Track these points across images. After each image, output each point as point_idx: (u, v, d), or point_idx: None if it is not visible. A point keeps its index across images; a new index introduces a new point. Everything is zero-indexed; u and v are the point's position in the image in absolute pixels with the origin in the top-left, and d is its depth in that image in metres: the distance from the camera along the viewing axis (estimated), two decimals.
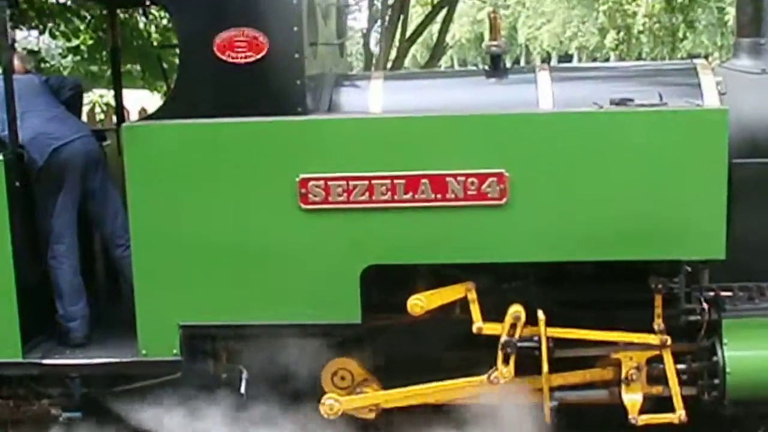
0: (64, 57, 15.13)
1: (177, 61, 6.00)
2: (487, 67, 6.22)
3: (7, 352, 5.83)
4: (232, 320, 5.65)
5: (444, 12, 22.86)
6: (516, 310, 5.47)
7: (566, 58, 57.70)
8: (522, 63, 54.09)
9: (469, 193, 5.28)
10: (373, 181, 5.32)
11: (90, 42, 13.82)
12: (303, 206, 5.38)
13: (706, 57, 39.32)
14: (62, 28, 13.46)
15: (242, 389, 5.83)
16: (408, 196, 5.32)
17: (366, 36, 22.29)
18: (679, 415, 5.48)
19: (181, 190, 5.53)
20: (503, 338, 5.49)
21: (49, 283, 6.09)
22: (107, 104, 12.81)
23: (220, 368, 5.93)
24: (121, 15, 9.56)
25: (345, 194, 5.35)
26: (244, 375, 5.84)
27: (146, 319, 5.68)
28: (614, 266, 5.45)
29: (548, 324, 5.49)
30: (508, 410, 5.67)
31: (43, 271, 6.10)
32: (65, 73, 13.77)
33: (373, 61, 20.75)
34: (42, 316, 6.05)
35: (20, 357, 5.84)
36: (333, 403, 5.70)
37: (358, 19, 21.83)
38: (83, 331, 6.10)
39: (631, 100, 5.41)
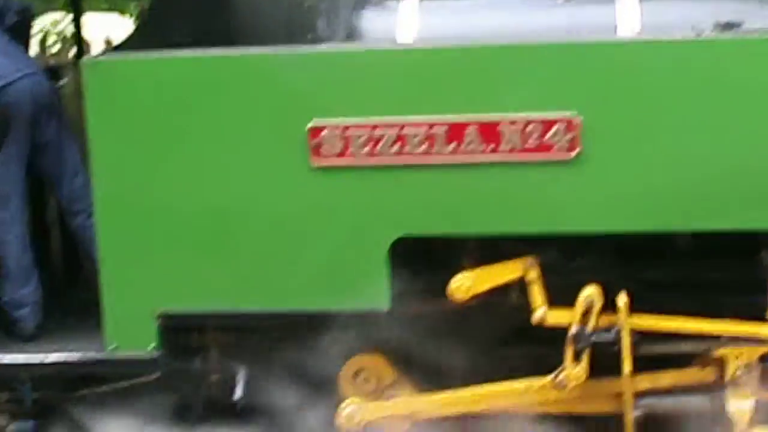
0: None
1: None
2: None
3: None
4: (225, 307, 5.43)
5: None
6: (590, 293, 5.18)
7: None
8: None
9: (530, 143, 4.98)
10: (406, 129, 5.02)
11: None
12: (315, 162, 5.12)
13: None
14: None
15: (238, 393, 5.64)
16: (450, 148, 5.02)
17: None
18: None
19: (157, 142, 5.31)
20: (573, 329, 5.19)
21: None
22: (62, 34, 12.59)
23: (209, 367, 5.74)
24: None
25: (369, 146, 5.06)
26: (241, 375, 5.65)
27: (115, 305, 5.44)
28: (718, 238, 5.22)
29: (632, 311, 5.21)
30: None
31: None
32: None
33: None
34: None
35: None
36: (354, 410, 5.46)
37: None
38: (35, 321, 5.96)
39: (740, 23, 5.14)
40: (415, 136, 4.98)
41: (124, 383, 5.68)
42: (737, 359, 5.26)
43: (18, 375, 5.74)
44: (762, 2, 5.56)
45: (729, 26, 5.07)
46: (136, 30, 5.86)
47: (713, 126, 4.92)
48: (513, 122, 4.91)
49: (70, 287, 6.55)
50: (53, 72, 6.59)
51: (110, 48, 8.54)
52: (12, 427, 5.94)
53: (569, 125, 4.89)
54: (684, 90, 4.92)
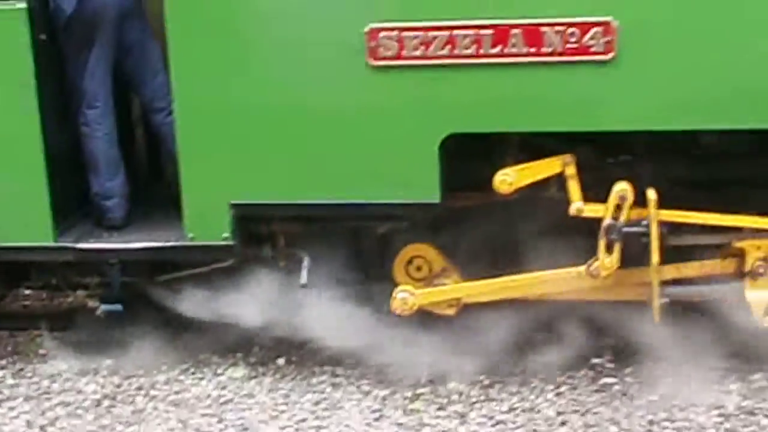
0: None
1: None
2: None
3: (36, 236, 5.85)
4: (291, 199, 5.58)
5: None
6: (622, 188, 5.28)
7: None
8: None
9: (569, 46, 5.07)
10: (455, 32, 5.12)
11: None
12: (372, 62, 5.23)
13: None
14: None
15: (303, 279, 5.78)
16: (496, 51, 5.12)
17: None
18: None
19: (231, 45, 5.40)
20: (606, 221, 5.32)
21: (82, 154, 6.07)
22: None
23: (277, 254, 5.93)
24: None
25: (422, 48, 5.17)
26: (306, 262, 5.81)
27: (193, 197, 5.63)
28: (742, 138, 5.33)
29: (661, 207, 5.33)
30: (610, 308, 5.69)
31: (76, 141, 6.05)
32: None
33: None
34: (75, 194, 6.08)
35: (51, 240, 5.86)
36: (407, 296, 5.62)
37: None
38: (122, 211, 6.09)
39: None
40: (465, 38, 5.09)
41: (202, 269, 5.93)
42: (757, 251, 5.39)
43: (107, 261, 5.96)
44: None
45: None
46: None
47: (741, 31, 4.95)
48: (554, 26, 5.01)
49: (152, 181, 6.57)
50: None
51: None
52: (102, 308, 6.18)
53: (606, 28, 4.97)
54: None
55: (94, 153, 6.01)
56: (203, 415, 5.62)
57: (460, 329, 5.89)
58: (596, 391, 5.65)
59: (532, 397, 5.63)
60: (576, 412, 5.45)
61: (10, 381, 6.13)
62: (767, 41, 4.96)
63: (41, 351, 6.49)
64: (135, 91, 6.39)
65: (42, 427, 5.61)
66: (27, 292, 6.47)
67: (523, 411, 5.49)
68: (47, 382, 6.08)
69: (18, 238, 5.86)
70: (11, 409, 5.79)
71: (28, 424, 5.65)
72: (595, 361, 5.93)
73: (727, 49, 5.02)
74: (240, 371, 6.10)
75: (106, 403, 5.81)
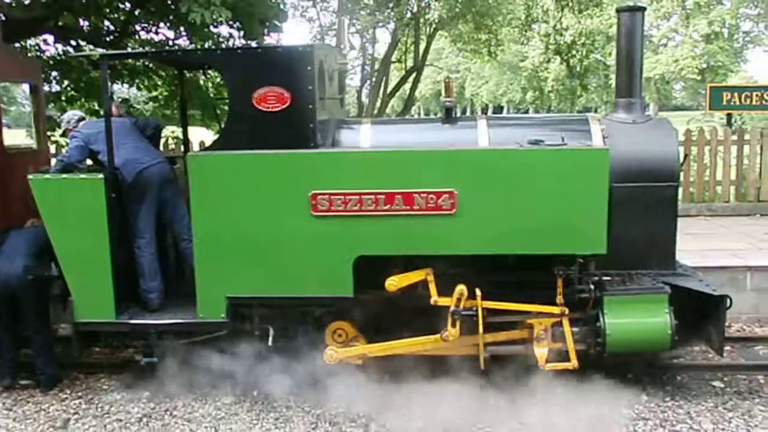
0: (146, 104, 15.13)
1: (227, 108, 5.90)
2: (442, 116, 6.13)
3: (104, 315, 5.77)
4: (263, 293, 5.58)
5: (414, 75, 22.98)
6: (461, 288, 5.42)
7: (498, 109, 58.14)
8: (468, 113, 54.50)
9: (429, 205, 5.26)
10: (363, 196, 5.29)
11: (165, 93, 13.80)
12: (313, 213, 5.34)
13: (595, 110, 39.73)
14: (145, 83, 13.47)
15: (270, 342, 5.77)
16: (387, 207, 5.29)
17: (359, 91, 22.35)
18: (573, 363, 5.49)
19: (228, 200, 5.45)
20: (452, 308, 5.43)
21: (134, 265, 5.99)
22: (177, 138, 12.80)
23: (253, 327, 5.83)
24: (188, 74, 9.49)
25: (343, 205, 5.31)
26: (271, 332, 5.77)
27: (203, 292, 5.62)
28: (530, 258, 5.41)
29: (484, 298, 5.46)
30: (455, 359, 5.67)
31: (131, 256, 5.99)
32: (147, 115, 13.73)
33: (364, 110, 20.81)
34: (129, 289, 5.96)
35: (113, 318, 5.79)
36: (332, 353, 5.67)
37: (353, 80, 21.94)
38: (158, 300, 6.02)
39: (542, 140, 5.40)
40: (368, 199, 5.26)
41: (207, 336, 5.82)
42: (540, 325, 5.52)
43: (148, 330, 5.84)
44: (553, 129, 5.80)
45: (536, 142, 5.35)
46: (217, 139, 5.81)
47: (527, 196, 5.19)
48: (420, 193, 5.23)
49: (178, 282, 6.32)
50: (171, 160, 6.47)
51: (203, 148, 8.49)
52: (143, 360, 5.96)
53: (451, 195, 5.20)
54: (513, 176, 5.20)
55: (142, 265, 5.97)
56: (206, 427, 5.52)
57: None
58: None
59: None
60: None
61: (84, 406, 5.97)
62: (536, 202, 5.19)
63: (104, 387, 6.35)
64: (169, 228, 6.30)
65: None
66: (97, 349, 6.28)
67: None
68: (107, 407, 5.94)
69: (93, 316, 5.80)
70: (84, 424, 5.66)
71: None
72: None
73: (517, 207, 5.22)
74: (229, 398, 5.95)
75: (144, 420, 5.68)
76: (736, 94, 13.24)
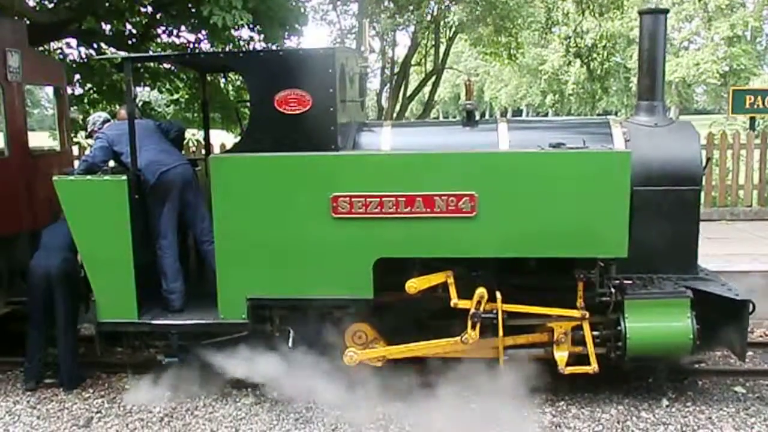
0: (168, 107, 15.26)
1: (248, 111, 5.92)
2: (463, 119, 6.14)
3: (127, 315, 5.80)
4: (284, 295, 5.59)
5: (433, 78, 22.98)
6: (481, 291, 5.42)
7: (518, 112, 58.00)
8: (487, 116, 54.38)
9: (450, 208, 5.24)
10: (383, 198, 5.28)
11: (187, 96, 13.92)
12: (334, 215, 5.34)
13: (616, 114, 39.51)
14: (167, 86, 13.58)
15: (290, 344, 5.76)
16: (407, 210, 5.27)
17: (379, 95, 22.37)
18: (593, 367, 5.46)
19: (249, 203, 5.46)
20: (472, 311, 5.43)
21: (156, 266, 6.02)
22: (198, 141, 12.89)
23: (274, 328, 5.84)
24: (209, 78, 9.56)
25: (363, 207, 5.30)
26: (291, 334, 5.77)
27: (224, 293, 5.63)
28: (551, 261, 5.37)
29: (503, 301, 5.44)
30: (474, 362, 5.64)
31: (153, 258, 6.01)
32: (169, 118, 13.86)
33: (384, 113, 20.83)
34: (152, 290, 5.97)
35: (136, 318, 5.82)
36: (353, 354, 5.67)
37: (373, 83, 21.94)
38: (180, 302, 6.03)
39: (563, 144, 5.39)
40: (389, 201, 5.24)
41: (228, 336, 5.81)
42: (560, 328, 5.50)
43: (170, 331, 5.84)
44: (574, 132, 5.85)
45: (558, 145, 5.36)
46: (238, 142, 5.79)
47: (548, 198, 5.14)
48: (441, 196, 5.20)
49: (199, 283, 6.35)
50: (193, 163, 6.45)
51: (224, 150, 8.50)
52: (165, 360, 5.98)
53: (471, 198, 5.18)
54: (534, 179, 5.15)
55: (164, 266, 5.99)
56: (226, 427, 5.54)
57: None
58: None
59: None
60: None
61: (107, 405, 6.02)
62: (557, 205, 5.15)
63: (126, 386, 6.39)
64: (190, 230, 6.32)
65: None
66: (119, 349, 6.25)
67: None
68: (129, 406, 5.98)
69: (116, 316, 5.83)
70: (106, 422, 5.70)
71: None
72: None
73: (537, 210, 5.18)
74: (250, 399, 6.00)
75: (166, 419, 5.71)
76: (759, 97, 13.14)
